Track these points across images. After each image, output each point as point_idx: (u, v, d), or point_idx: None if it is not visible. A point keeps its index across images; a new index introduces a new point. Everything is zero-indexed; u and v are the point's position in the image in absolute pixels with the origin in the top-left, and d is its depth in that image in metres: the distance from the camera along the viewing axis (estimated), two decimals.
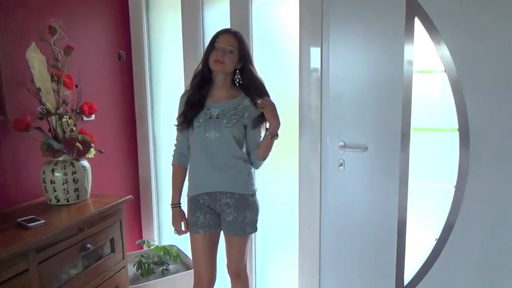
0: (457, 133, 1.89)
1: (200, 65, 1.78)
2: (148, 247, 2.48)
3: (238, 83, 1.82)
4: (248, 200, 1.79)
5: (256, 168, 1.91)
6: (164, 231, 2.73)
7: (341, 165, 2.18)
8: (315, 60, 2.15)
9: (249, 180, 1.81)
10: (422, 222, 2.11)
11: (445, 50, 1.90)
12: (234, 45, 1.73)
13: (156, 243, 2.62)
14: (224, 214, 1.81)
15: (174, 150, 1.90)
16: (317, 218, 2.29)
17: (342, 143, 2.14)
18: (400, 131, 1.95)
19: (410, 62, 1.98)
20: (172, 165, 1.89)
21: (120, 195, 1.86)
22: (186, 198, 1.89)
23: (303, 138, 2.25)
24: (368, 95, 2.06)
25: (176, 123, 1.81)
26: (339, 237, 2.25)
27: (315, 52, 2.14)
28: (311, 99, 2.19)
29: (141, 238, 2.58)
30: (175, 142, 1.89)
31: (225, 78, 1.79)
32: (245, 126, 1.79)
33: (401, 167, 1.98)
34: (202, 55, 1.83)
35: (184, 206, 1.89)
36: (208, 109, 1.77)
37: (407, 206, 2.02)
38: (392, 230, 2.03)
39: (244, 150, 1.84)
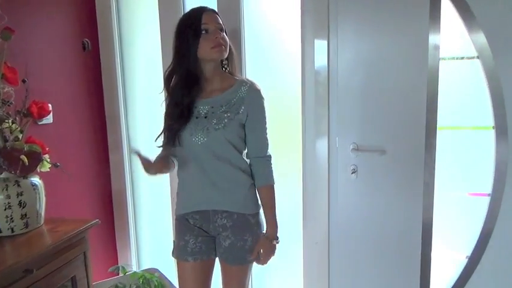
0: (493, 131, 1.70)
1: (175, 63, 1.43)
2: (125, 273, 2.10)
3: (226, 68, 1.50)
4: (249, 221, 1.45)
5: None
6: (143, 254, 2.36)
7: (353, 172, 1.87)
8: (320, 48, 1.82)
9: (250, 195, 1.47)
10: (450, 237, 1.91)
11: (478, 33, 1.63)
12: (220, 22, 1.42)
13: (134, 268, 2.25)
14: (220, 238, 1.46)
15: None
16: (325, 235, 1.99)
17: (354, 146, 1.87)
18: (424, 129, 1.72)
19: (436, 47, 1.69)
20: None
21: (84, 219, 1.48)
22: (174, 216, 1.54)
23: (307, 141, 1.94)
24: (385, 88, 1.80)
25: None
26: (351, 257, 1.98)
27: (320, 37, 1.81)
28: (316, 94, 1.87)
29: (116, 264, 2.20)
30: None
31: (216, 66, 1.45)
32: (244, 125, 1.45)
33: (426, 172, 1.75)
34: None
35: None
36: (196, 107, 1.43)
37: (432, 219, 1.82)
38: (415, 248, 1.81)
39: (245, 155, 1.50)
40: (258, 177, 1.48)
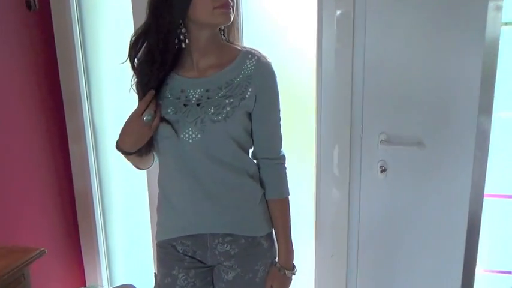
0: None
1: (149, 23, 1.00)
2: None
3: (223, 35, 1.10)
4: (261, 246, 1.08)
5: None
6: (116, 268, 1.95)
7: (383, 171, 1.51)
8: (343, 21, 1.42)
9: (262, 210, 1.10)
10: (501, 250, 1.68)
11: None
12: None
13: (106, 287, 1.85)
14: (220, 269, 1.08)
15: None
16: (343, 246, 1.66)
17: (383, 137, 1.53)
18: (476, 118, 1.43)
19: (498, 8, 1.33)
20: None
21: (24, 248, 1.05)
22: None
23: (323, 130, 1.56)
24: (424, 64, 1.44)
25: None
26: (376, 271, 1.67)
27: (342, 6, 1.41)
28: (336, 71, 1.49)
29: (83, 285, 1.80)
30: None
31: (214, 34, 1.05)
32: (251, 114, 1.06)
33: (475, 172, 1.48)
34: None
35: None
36: (182, 91, 1.02)
37: (480, 228, 1.54)
38: (456, 262, 1.55)
39: (251, 154, 1.11)
40: (269, 186, 1.10)
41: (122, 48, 1.47)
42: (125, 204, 1.96)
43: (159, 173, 1.10)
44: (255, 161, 1.10)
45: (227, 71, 1.03)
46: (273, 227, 1.12)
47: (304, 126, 1.63)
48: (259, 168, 1.10)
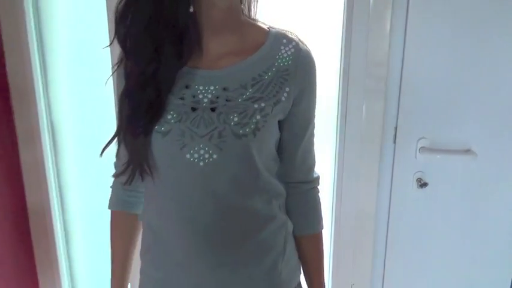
0: None
1: None
2: None
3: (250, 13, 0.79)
4: None
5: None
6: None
7: (422, 185, 1.24)
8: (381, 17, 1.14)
9: (291, 256, 0.81)
10: None
11: None
12: None
13: None
14: None
15: (112, 183, 0.86)
16: (367, 275, 1.38)
17: (424, 144, 1.27)
18: None
19: None
20: (111, 212, 0.87)
21: None
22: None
23: (348, 132, 1.28)
24: (478, 61, 1.19)
25: (115, 132, 0.74)
26: None
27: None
28: (368, 62, 1.21)
29: None
30: (115, 161, 0.83)
31: (234, 8, 0.73)
32: (280, 122, 0.76)
33: None
34: None
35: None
36: (187, 87, 0.71)
37: None
38: None
39: (277, 183, 0.80)
40: (303, 220, 0.82)
41: (88, 29, 1.11)
42: (93, 223, 1.60)
43: (145, 210, 0.77)
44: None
45: (253, 61, 0.72)
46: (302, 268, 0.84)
47: (323, 126, 1.33)
48: (287, 195, 0.80)
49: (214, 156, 0.67)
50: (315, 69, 0.76)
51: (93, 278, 1.66)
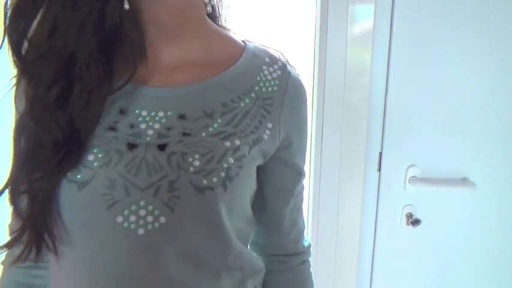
0: None
1: None
2: None
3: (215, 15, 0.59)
4: None
5: None
6: None
7: (414, 222, 1.07)
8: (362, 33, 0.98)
9: None
10: None
11: None
12: None
13: None
14: None
15: (4, 257, 0.57)
16: None
17: (414, 172, 1.09)
18: None
19: None
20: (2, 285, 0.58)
21: None
22: None
23: (324, 160, 1.08)
24: (472, 72, 1.05)
25: (5, 181, 0.47)
26: None
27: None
28: (347, 72, 1.02)
29: None
30: (9, 222, 0.55)
31: (193, 5, 0.52)
32: (259, 170, 0.56)
33: None
34: None
35: None
36: (121, 112, 0.49)
37: None
38: None
39: (253, 257, 0.59)
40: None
41: None
42: None
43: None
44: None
45: (224, 79, 0.52)
46: None
47: None
48: (267, 273, 0.60)
49: (162, 220, 0.45)
50: (306, 102, 0.57)
51: None
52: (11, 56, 0.46)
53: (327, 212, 1.11)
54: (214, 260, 0.50)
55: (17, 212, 0.47)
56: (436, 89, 1.04)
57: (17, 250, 0.49)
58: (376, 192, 1.09)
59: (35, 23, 0.45)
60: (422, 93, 1.04)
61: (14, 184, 0.46)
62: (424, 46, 1.02)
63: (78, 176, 0.45)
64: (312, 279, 0.63)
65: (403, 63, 1.03)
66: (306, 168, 1.11)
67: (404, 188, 1.06)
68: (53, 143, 0.45)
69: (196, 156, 0.46)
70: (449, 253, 1.09)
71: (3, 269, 0.59)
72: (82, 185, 0.45)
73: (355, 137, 1.07)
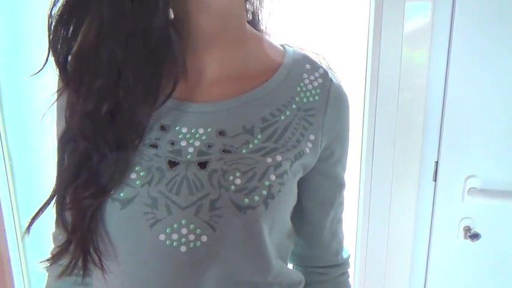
0: None
1: None
2: None
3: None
4: None
5: None
6: None
7: (472, 236, 1.03)
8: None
9: None
10: None
11: None
12: None
13: None
14: None
15: (48, 268, 0.57)
16: None
17: (473, 184, 1.04)
18: None
19: None
20: None
21: None
22: None
23: (376, 168, 1.05)
24: None
25: (49, 195, 0.49)
26: None
27: None
28: (402, 73, 0.98)
29: None
30: (54, 231, 0.59)
31: (235, 9, 0.51)
32: (298, 183, 0.55)
33: None
34: None
35: None
36: (163, 128, 0.49)
37: None
38: None
39: (292, 272, 0.59)
40: None
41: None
42: None
43: None
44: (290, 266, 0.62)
45: (264, 92, 0.51)
46: None
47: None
48: (306, 284, 0.60)
49: (204, 238, 0.46)
50: (348, 110, 0.55)
51: None
52: (56, 70, 0.46)
53: (377, 223, 1.09)
54: (253, 279, 0.51)
55: (62, 224, 0.48)
56: (499, 93, 0.98)
57: (63, 261, 0.50)
58: (432, 203, 1.05)
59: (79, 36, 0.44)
60: (484, 96, 0.99)
61: (61, 199, 0.47)
62: (487, 45, 0.97)
63: (121, 195, 0.46)
64: None
65: (463, 64, 0.98)
66: (356, 177, 1.09)
67: (463, 200, 1.02)
68: (101, 160, 0.45)
69: (237, 174, 0.46)
70: (510, 271, 1.04)
71: (49, 279, 0.61)
72: (125, 203, 0.46)
73: (410, 144, 1.04)
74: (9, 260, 1.30)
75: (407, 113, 1.02)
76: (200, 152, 0.47)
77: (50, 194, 0.49)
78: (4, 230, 1.28)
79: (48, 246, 0.66)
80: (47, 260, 0.53)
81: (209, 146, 0.47)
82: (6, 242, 1.28)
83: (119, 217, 0.46)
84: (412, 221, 1.05)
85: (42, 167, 1.29)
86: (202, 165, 0.46)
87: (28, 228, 0.51)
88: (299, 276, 0.58)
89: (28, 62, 1.20)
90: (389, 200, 1.05)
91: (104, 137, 0.45)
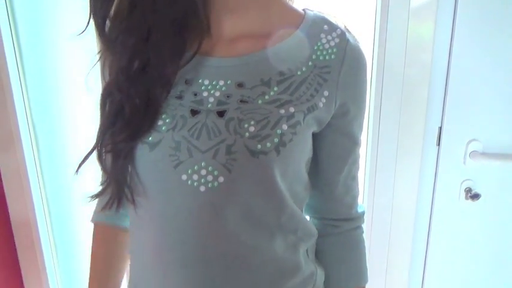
0: None
1: None
2: None
3: None
4: None
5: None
6: None
7: (473, 196, 1.11)
8: None
9: None
10: None
11: None
12: None
13: None
14: None
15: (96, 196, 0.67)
16: None
17: (475, 147, 1.11)
18: None
19: None
20: (94, 224, 0.72)
21: None
22: None
23: (383, 131, 1.12)
24: None
25: (95, 143, 0.58)
26: None
27: None
28: (408, 47, 1.04)
29: None
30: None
31: None
32: (315, 138, 0.61)
33: None
34: None
35: None
36: (187, 82, 0.56)
37: None
38: None
39: (306, 220, 0.65)
40: (341, 269, 0.68)
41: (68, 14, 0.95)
42: (82, 233, 1.49)
43: (130, 234, 0.64)
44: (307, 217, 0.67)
45: (282, 49, 0.56)
46: None
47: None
48: (320, 236, 0.66)
49: (221, 179, 0.52)
50: (365, 70, 0.59)
51: None
52: (96, 34, 0.54)
53: (383, 185, 1.16)
54: (268, 218, 0.56)
55: (102, 168, 0.57)
56: (501, 61, 1.03)
57: (104, 199, 0.59)
58: (435, 166, 1.12)
59: (115, 4, 0.52)
60: (486, 65, 1.04)
61: (100, 145, 0.55)
62: (491, 18, 1.01)
63: (150, 139, 0.53)
64: (364, 245, 0.69)
65: (467, 35, 1.03)
66: (363, 141, 1.16)
67: (464, 163, 1.09)
68: (133, 109, 0.53)
69: (252, 123, 0.52)
70: (508, 230, 1.12)
71: (93, 213, 0.71)
72: (153, 146, 0.53)
73: (414, 111, 1.10)
74: (36, 223, 1.39)
75: (413, 82, 1.07)
76: (219, 102, 0.53)
77: (94, 144, 0.57)
78: (31, 198, 1.37)
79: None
80: (92, 196, 0.62)
81: (228, 97, 0.53)
82: (33, 206, 1.37)
83: (148, 158, 0.53)
84: (416, 183, 1.12)
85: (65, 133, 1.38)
86: (221, 113, 0.53)
87: (77, 170, 0.59)
88: (313, 228, 0.64)
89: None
90: (394, 163, 1.12)
91: (136, 90, 0.53)
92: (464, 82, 1.05)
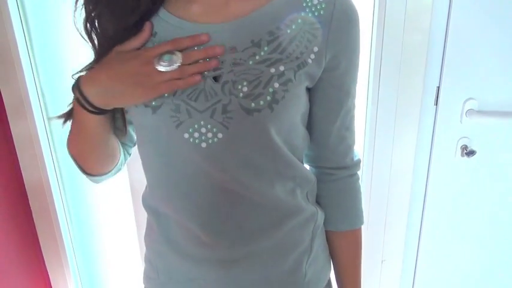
0: None
1: None
2: None
3: None
4: None
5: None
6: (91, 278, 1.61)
7: (468, 153, 1.16)
8: None
9: (320, 252, 0.74)
10: None
11: None
12: None
13: None
14: None
15: None
16: (399, 251, 1.35)
17: (471, 105, 1.16)
18: None
19: None
20: None
21: None
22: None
23: (382, 91, 1.17)
24: None
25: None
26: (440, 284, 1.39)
27: None
28: (408, 9, 1.07)
29: None
30: None
31: None
32: (310, 91, 0.66)
33: None
34: None
35: None
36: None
37: None
38: None
39: (303, 168, 0.72)
40: (338, 213, 0.74)
41: None
42: (101, 198, 1.57)
43: (147, 186, 0.72)
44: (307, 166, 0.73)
45: (271, 9, 0.59)
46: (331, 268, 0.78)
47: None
48: (318, 182, 0.72)
49: (220, 135, 0.58)
50: (356, 23, 0.62)
51: (98, 256, 1.66)
52: None
53: (382, 143, 1.22)
54: (266, 167, 0.62)
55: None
56: (497, 23, 1.06)
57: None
58: (432, 125, 1.17)
59: None
60: (483, 27, 1.07)
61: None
62: None
63: (153, 103, 0.59)
64: (359, 192, 0.75)
65: None
66: (363, 101, 1.21)
67: (461, 121, 1.14)
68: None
69: (245, 83, 0.57)
70: (502, 185, 1.18)
71: None
72: (155, 109, 0.59)
73: (413, 71, 1.14)
74: (50, 188, 1.46)
75: (412, 44, 1.11)
76: (214, 68, 0.58)
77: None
78: (44, 163, 1.43)
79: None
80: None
81: (222, 62, 0.58)
82: (46, 170, 1.44)
83: (151, 121, 0.60)
84: (415, 141, 1.18)
85: None
86: (216, 78, 0.58)
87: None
88: (311, 175, 0.70)
89: None
90: (394, 122, 1.18)
91: None
92: (462, 43, 1.09)
